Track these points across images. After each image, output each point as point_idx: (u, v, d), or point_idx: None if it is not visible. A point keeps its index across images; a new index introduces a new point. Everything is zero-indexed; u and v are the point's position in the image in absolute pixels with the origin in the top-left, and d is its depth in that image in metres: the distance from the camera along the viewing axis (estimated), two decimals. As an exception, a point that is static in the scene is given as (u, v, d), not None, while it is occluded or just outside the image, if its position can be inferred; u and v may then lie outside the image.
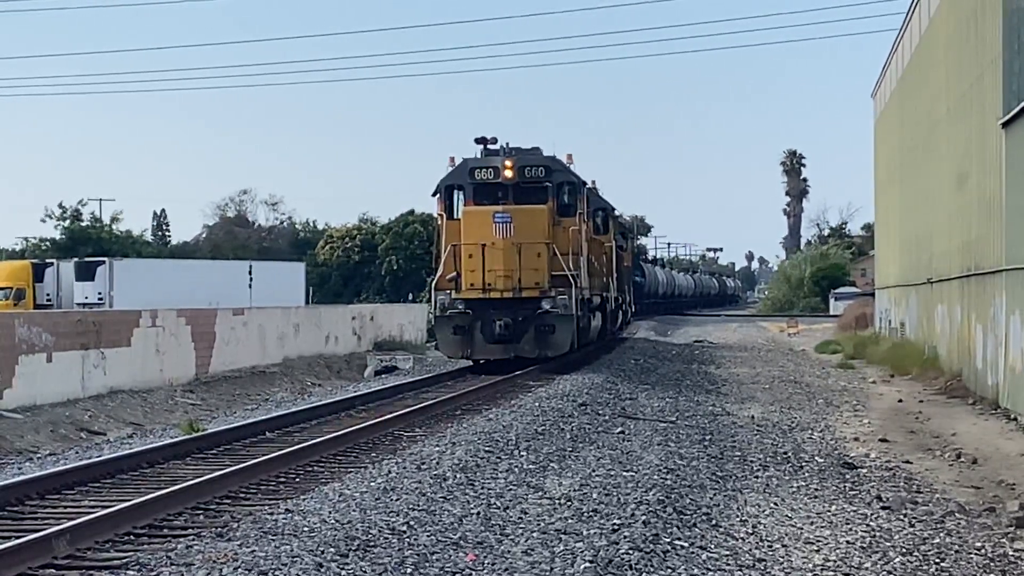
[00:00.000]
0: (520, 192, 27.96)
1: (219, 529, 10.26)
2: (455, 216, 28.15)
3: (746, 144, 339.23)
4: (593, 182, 32.73)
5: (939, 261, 29.07)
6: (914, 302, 34.42)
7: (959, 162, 25.72)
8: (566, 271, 27.22)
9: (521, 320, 27.14)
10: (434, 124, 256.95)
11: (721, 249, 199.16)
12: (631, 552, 9.62)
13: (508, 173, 27.77)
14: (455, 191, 28.37)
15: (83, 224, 74.17)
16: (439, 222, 28.81)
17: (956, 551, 10.40)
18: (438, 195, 28.53)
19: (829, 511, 12.03)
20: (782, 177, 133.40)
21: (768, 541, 10.55)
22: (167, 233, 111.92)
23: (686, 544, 10.17)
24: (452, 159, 28.39)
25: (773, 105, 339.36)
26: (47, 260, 57.38)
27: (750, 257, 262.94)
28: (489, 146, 28.77)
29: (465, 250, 27.27)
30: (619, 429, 17.67)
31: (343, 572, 9.00)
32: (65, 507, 12.20)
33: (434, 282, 28.34)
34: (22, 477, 13.80)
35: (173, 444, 16.32)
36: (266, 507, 11.50)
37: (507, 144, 28.86)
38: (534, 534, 10.41)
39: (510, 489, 12.51)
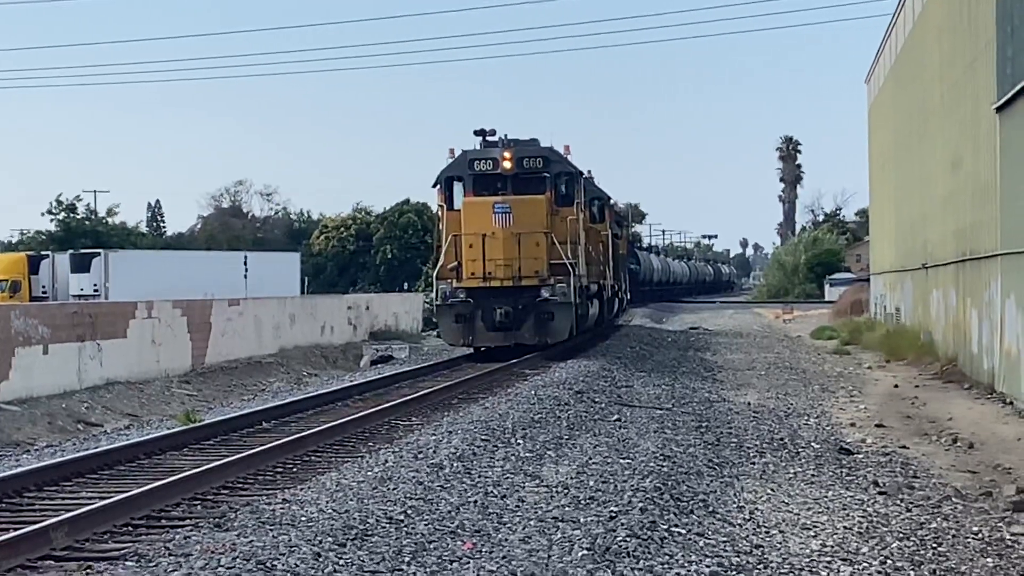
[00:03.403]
0: (519, 183, 28.24)
1: (217, 520, 10.26)
2: (455, 207, 28.46)
3: (741, 131, 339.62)
4: (589, 171, 32.89)
5: (934, 246, 29.08)
6: (909, 287, 34.44)
7: (953, 147, 25.71)
8: (564, 260, 27.53)
9: (521, 308, 27.47)
10: (429, 114, 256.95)
11: (716, 236, 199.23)
12: (628, 539, 9.63)
13: (507, 164, 28.14)
14: (455, 182, 28.69)
15: (78, 216, 74.08)
16: (440, 213, 29.04)
17: (953, 536, 10.42)
18: (438, 186, 28.81)
19: (826, 497, 12.05)
20: (777, 163, 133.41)
21: (765, 527, 10.57)
22: (162, 224, 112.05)
23: (683, 531, 10.19)
24: (452, 151, 28.71)
25: (768, 92, 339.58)
26: (42, 252, 57.33)
27: (745, 244, 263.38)
28: (488, 138, 29.04)
29: (466, 240, 27.59)
30: (615, 416, 17.69)
31: (341, 561, 9.01)
32: (63, 498, 12.21)
33: (435, 272, 28.61)
34: (20, 469, 13.80)
35: (170, 435, 16.33)
36: (264, 497, 11.51)
37: (505, 136, 29.20)
38: (531, 522, 10.43)
39: (507, 477, 12.53)
